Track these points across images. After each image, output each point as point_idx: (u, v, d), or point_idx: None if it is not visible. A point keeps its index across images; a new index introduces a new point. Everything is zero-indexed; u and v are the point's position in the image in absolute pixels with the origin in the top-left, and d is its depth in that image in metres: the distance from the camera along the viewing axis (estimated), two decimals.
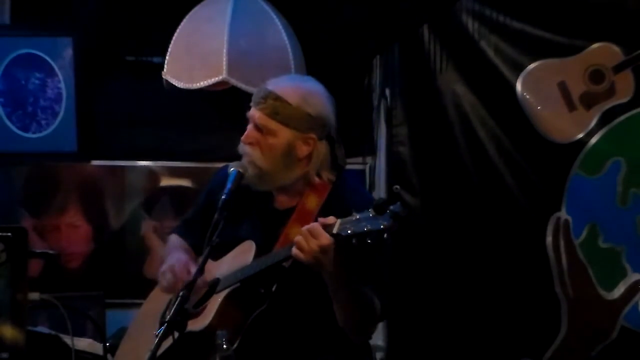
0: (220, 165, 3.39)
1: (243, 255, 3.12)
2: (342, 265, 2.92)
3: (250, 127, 3.17)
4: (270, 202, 3.22)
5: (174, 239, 3.47)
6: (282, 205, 3.22)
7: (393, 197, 2.87)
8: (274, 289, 3.07)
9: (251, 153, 3.15)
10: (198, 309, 3.13)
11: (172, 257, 3.31)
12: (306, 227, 2.90)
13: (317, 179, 3.18)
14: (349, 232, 2.84)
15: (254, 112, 3.17)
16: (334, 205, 3.05)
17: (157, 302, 3.38)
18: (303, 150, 3.15)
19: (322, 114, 3.16)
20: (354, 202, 2.95)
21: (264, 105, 3.14)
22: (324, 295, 3.03)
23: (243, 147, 3.18)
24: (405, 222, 2.82)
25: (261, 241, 3.14)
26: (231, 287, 3.08)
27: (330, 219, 2.90)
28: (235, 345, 2.99)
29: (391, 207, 2.80)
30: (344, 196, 3.13)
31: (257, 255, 3.10)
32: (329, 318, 3.07)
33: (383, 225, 2.79)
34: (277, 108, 3.13)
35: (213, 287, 3.16)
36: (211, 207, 3.25)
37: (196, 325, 3.06)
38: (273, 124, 3.14)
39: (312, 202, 3.17)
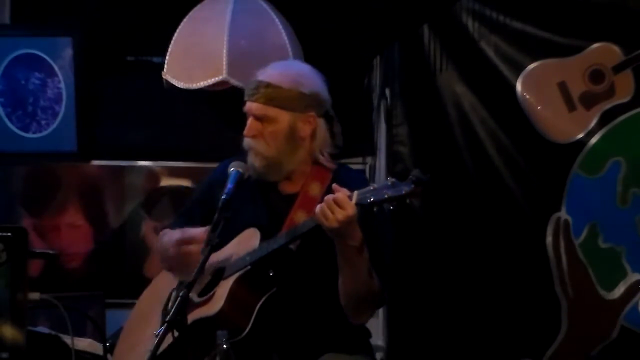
0: None
1: (248, 241, 3.14)
2: (359, 237, 2.94)
3: (250, 120, 3.20)
4: (273, 188, 3.24)
5: (166, 231, 3.46)
6: (285, 191, 3.24)
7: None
8: (283, 271, 3.08)
9: (255, 145, 3.18)
10: (204, 297, 3.13)
11: (171, 235, 3.30)
12: (331, 196, 2.92)
13: (322, 157, 3.20)
14: (369, 200, 2.87)
15: (250, 105, 3.21)
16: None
17: (155, 295, 3.38)
18: (305, 129, 3.18)
19: (316, 91, 3.21)
20: (357, 187, 2.98)
21: (257, 95, 3.18)
22: (332, 277, 3.06)
23: (247, 142, 3.20)
24: (428, 187, 2.83)
25: (266, 226, 3.16)
26: (241, 271, 3.08)
27: (345, 192, 2.92)
28: (247, 329, 3.00)
29: (411, 173, 2.81)
30: (346, 182, 3.14)
31: (263, 240, 3.12)
32: (336, 300, 3.09)
33: (404, 190, 2.82)
34: (271, 94, 3.16)
35: (217, 274, 3.16)
36: (211, 198, 3.28)
37: (207, 311, 3.07)
38: (271, 111, 3.17)
39: (315, 188, 3.20)
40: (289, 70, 3.25)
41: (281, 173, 3.22)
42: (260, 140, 3.17)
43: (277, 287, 3.08)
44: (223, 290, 3.09)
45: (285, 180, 3.24)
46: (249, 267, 3.08)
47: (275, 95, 3.16)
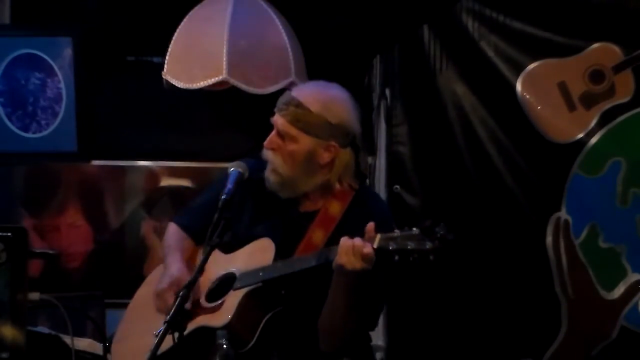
0: (220, 165, 3.39)
1: (261, 253, 3.13)
2: (364, 277, 2.93)
3: (273, 132, 3.19)
4: (293, 204, 3.23)
5: (173, 232, 3.45)
6: (304, 209, 3.24)
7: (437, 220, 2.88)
8: (295, 291, 3.08)
9: (273, 160, 3.17)
10: (214, 304, 3.13)
11: (168, 268, 3.30)
12: (353, 242, 2.91)
13: (338, 186, 3.19)
14: (391, 247, 2.86)
15: (276, 118, 3.19)
16: (356, 212, 3.06)
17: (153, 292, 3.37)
18: (324, 157, 3.16)
19: (344, 122, 3.18)
20: (376, 211, 2.99)
21: (285, 111, 3.16)
22: None
23: (266, 153, 3.19)
24: (452, 246, 2.82)
25: (281, 241, 3.15)
26: (252, 286, 3.08)
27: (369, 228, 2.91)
28: (252, 343, 3.01)
29: (436, 229, 2.81)
30: (366, 204, 3.16)
31: (277, 255, 3.11)
32: None
33: (429, 245, 2.80)
34: (298, 115, 3.14)
35: (229, 281, 3.15)
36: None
37: (214, 320, 3.07)
38: (294, 131, 3.15)
39: (335, 207, 3.19)
40: (323, 95, 3.21)
41: (295, 192, 3.20)
42: (278, 155, 3.17)
43: (286, 305, 3.08)
44: (232, 302, 3.08)
45: (304, 199, 3.23)
46: (261, 284, 3.08)
47: (302, 117, 3.14)
